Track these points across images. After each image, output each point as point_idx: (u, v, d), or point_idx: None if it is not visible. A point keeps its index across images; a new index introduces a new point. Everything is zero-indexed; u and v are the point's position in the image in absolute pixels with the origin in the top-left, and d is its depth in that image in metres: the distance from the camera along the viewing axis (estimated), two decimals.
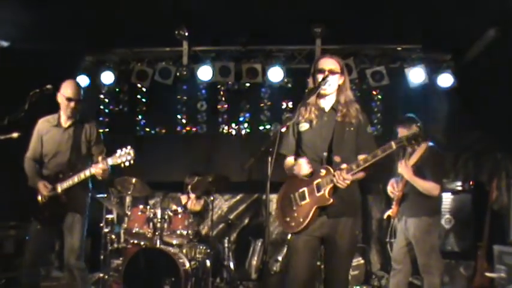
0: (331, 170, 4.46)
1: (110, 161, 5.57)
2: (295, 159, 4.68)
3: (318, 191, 4.49)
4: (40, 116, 6.03)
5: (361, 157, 4.42)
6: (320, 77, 4.57)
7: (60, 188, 5.72)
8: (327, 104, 4.70)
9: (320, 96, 4.66)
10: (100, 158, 5.63)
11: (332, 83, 4.61)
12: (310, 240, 4.56)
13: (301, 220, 4.51)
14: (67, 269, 5.78)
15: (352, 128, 4.61)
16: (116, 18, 8.03)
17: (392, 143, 4.33)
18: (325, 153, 4.57)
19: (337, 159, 4.53)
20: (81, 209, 5.87)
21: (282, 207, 4.66)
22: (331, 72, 4.60)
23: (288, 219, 4.58)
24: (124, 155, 5.52)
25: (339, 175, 4.36)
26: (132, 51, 9.72)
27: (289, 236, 4.55)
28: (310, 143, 4.64)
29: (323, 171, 4.50)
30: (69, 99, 5.82)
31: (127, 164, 5.54)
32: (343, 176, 4.35)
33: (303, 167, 4.52)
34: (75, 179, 5.68)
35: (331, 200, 4.45)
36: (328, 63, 4.65)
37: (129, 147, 5.55)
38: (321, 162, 4.57)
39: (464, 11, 7.34)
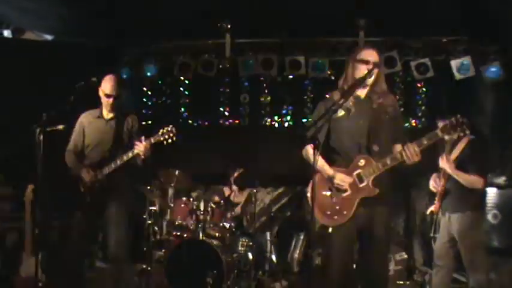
0: (372, 160, 4.49)
1: (153, 139, 5.63)
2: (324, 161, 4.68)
3: (361, 181, 4.50)
4: (85, 109, 6.10)
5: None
6: (363, 67, 4.57)
7: (102, 173, 5.78)
8: (362, 92, 4.70)
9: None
10: (143, 137, 5.68)
11: (373, 75, 4.61)
12: (347, 236, 4.58)
13: (345, 212, 4.51)
14: (113, 262, 5.84)
15: (387, 116, 4.63)
16: (159, 11, 8.06)
17: (438, 132, 4.42)
18: (364, 140, 4.58)
19: (375, 148, 4.55)
20: (125, 199, 5.92)
21: (319, 202, 4.61)
22: (376, 65, 4.59)
23: (328, 212, 4.57)
24: (166, 133, 5.58)
25: (408, 148, 4.34)
26: (174, 43, 9.76)
27: (330, 230, 4.52)
28: (347, 130, 4.63)
29: (362, 162, 4.52)
30: (107, 96, 5.88)
31: (169, 141, 5.60)
32: (415, 148, 4.34)
33: (344, 178, 4.54)
34: (118, 161, 5.74)
35: (377, 191, 4.46)
36: (373, 55, 4.63)
37: (170, 125, 5.60)
38: (359, 150, 4.58)
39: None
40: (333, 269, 4.59)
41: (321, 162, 4.61)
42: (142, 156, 5.69)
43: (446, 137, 5.26)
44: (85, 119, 6.08)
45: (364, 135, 4.59)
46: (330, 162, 4.68)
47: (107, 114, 6.01)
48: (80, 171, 5.84)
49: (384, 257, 4.78)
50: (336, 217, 4.53)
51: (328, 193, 4.61)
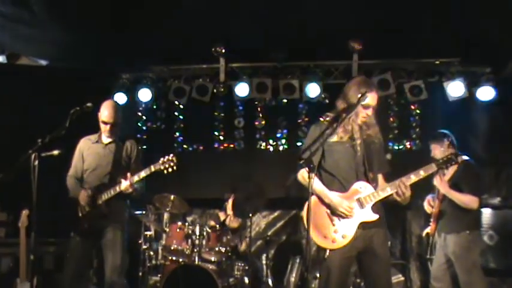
0: (371, 186, 4.65)
1: (153, 167, 5.66)
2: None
3: (361, 206, 4.60)
4: (81, 134, 6.13)
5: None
6: (364, 111, 4.72)
7: (100, 199, 5.79)
8: (355, 123, 4.81)
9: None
10: (128, 175, 5.70)
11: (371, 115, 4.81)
12: (345, 259, 4.64)
13: (345, 237, 4.58)
14: (108, 287, 5.81)
15: (376, 146, 4.83)
16: (153, 35, 8.10)
17: (433, 165, 4.70)
18: (361, 167, 4.71)
19: (371, 175, 4.72)
20: (121, 225, 5.93)
21: (317, 224, 4.65)
22: (374, 107, 4.78)
23: (328, 235, 4.60)
24: (167, 162, 5.61)
25: (401, 186, 4.57)
26: (169, 68, 9.80)
27: (327, 253, 4.56)
28: (343, 156, 4.74)
29: (362, 188, 4.65)
30: (104, 123, 5.91)
31: (170, 170, 5.62)
32: (406, 184, 4.57)
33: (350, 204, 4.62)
34: (112, 191, 5.78)
35: (378, 216, 4.61)
36: (375, 99, 4.77)
37: (171, 154, 5.64)
38: (357, 176, 4.70)
39: (503, 22, 7.25)
40: None
41: (321, 188, 4.70)
42: (130, 190, 5.72)
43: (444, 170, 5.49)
44: (84, 143, 6.13)
45: (361, 163, 4.72)
46: (326, 184, 4.74)
47: (106, 139, 6.04)
48: (79, 194, 5.85)
49: (388, 276, 4.88)
50: (335, 242, 4.58)
51: (329, 215, 4.66)
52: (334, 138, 4.71)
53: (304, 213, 4.61)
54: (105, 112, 5.92)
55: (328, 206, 4.65)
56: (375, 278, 4.69)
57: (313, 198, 4.66)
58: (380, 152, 4.88)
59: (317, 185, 4.67)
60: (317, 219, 4.65)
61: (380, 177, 4.84)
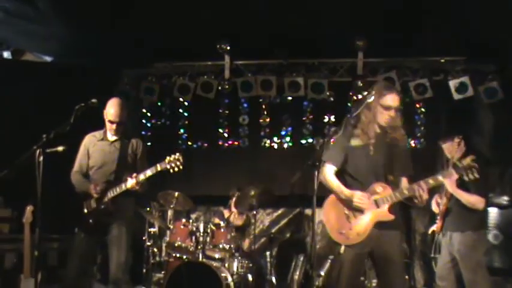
0: (389, 188, 4.72)
1: (159, 166, 5.64)
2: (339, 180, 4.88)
3: (378, 207, 4.69)
4: (86, 130, 6.10)
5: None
6: (385, 113, 4.76)
7: (106, 196, 5.78)
8: (377, 126, 4.87)
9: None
10: (134, 174, 5.69)
11: (395, 117, 4.82)
12: (358, 254, 4.75)
13: (360, 234, 4.70)
14: (113, 283, 5.80)
15: (399, 149, 4.86)
16: (158, 32, 8.09)
17: (453, 172, 4.75)
18: (381, 170, 4.78)
19: (390, 177, 4.79)
20: (127, 222, 5.91)
21: (334, 221, 4.81)
22: (396, 109, 4.82)
23: (343, 231, 4.75)
24: (173, 161, 5.59)
25: (419, 189, 4.60)
26: (173, 65, 9.80)
27: (342, 248, 4.71)
28: (364, 159, 4.82)
29: (380, 188, 4.73)
30: (111, 122, 5.89)
31: (176, 169, 5.60)
32: (424, 188, 4.60)
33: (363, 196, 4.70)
34: (118, 189, 5.75)
35: (393, 217, 4.69)
36: (395, 100, 4.82)
37: (177, 153, 5.62)
38: (376, 178, 4.77)
39: (509, 21, 7.23)
40: (343, 285, 4.73)
41: (337, 184, 4.82)
42: (136, 188, 5.71)
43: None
44: (89, 140, 6.09)
45: (380, 166, 4.79)
46: (346, 185, 4.84)
47: (111, 136, 6.01)
48: (88, 187, 5.83)
49: (401, 277, 4.94)
50: (349, 237, 4.71)
51: (346, 212, 4.78)
52: (356, 142, 4.84)
53: (324, 210, 4.85)
54: (111, 110, 5.88)
55: (346, 203, 4.76)
56: (388, 280, 4.77)
57: (332, 197, 4.85)
58: (404, 156, 4.92)
59: (334, 181, 4.82)
60: (334, 216, 4.82)
61: (404, 180, 4.88)
